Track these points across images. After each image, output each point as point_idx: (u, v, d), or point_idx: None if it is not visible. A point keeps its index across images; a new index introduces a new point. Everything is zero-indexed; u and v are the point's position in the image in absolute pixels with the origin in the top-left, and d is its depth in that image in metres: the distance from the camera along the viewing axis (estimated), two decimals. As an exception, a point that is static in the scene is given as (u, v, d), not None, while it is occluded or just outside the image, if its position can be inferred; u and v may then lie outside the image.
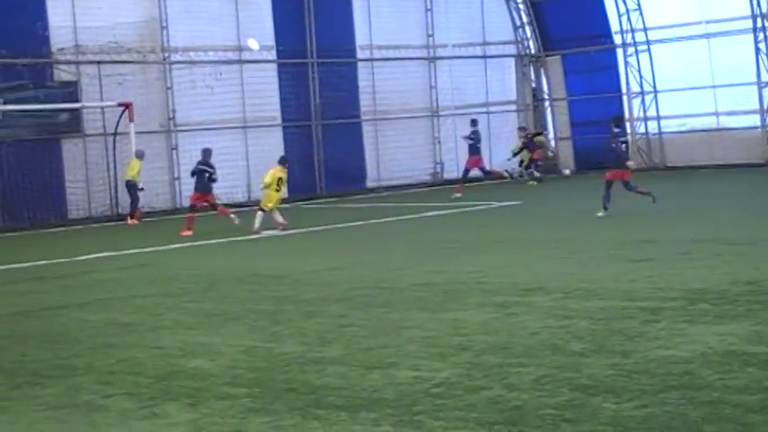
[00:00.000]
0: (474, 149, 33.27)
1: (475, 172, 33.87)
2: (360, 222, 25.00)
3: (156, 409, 8.15)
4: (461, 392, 8.03)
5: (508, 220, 23.38)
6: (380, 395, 8.13)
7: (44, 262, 20.12)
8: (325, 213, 24.01)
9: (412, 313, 11.81)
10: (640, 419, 7.01)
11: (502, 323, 10.83)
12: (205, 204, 25.36)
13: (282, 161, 24.82)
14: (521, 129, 38.64)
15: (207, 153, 25.79)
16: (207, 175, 25.11)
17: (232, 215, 24.85)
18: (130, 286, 15.93)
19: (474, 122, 34.29)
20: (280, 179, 24.13)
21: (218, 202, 26.42)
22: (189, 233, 23.88)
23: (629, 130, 39.44)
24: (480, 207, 27.23)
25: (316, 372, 9.09)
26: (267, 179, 24.12)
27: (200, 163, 25.49)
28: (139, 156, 29.89)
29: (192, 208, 25.30)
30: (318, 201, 33.61)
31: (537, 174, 36.13)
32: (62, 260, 20.31)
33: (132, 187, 29.57)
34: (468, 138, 33.35)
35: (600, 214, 22.06)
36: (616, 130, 23.23)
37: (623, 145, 23.40)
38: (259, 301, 13.58)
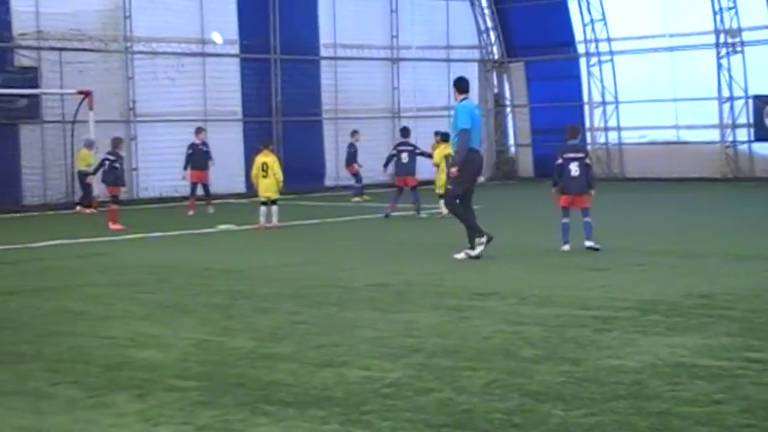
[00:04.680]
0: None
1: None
2: (316, 220, 24.93)
3: (103, 398, 8.06)
4: (411, 394, 8.02)
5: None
6: (330, 393, 8.10)
7: (-3, 247, 19.96)
8: (282, 210, 23.89)
9: (364, 313, 11.79)
10: (588, 427, 7.03)
11: (454, 326, 10.83)
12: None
13: (265, 145, 24.43)
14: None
15: (115, 142, 24.78)
16: (107, 163, 24.16)
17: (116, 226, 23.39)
18: (83, 275, 15.78)
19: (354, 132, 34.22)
20: (263, 164, 23.59)
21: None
22: (119, 227, 23.20)
23: (589, 140, 39.75)
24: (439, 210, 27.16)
25: (266, 368, 9.05)
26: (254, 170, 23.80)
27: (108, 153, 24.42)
28: (88, 145, 29.60)
29: (115, 199, 24.17)
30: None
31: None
32: (16, 246, 20.11)
33: (84, 177, 29.23)
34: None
35: None
36: None
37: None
38: (212, 294, 13.50)
